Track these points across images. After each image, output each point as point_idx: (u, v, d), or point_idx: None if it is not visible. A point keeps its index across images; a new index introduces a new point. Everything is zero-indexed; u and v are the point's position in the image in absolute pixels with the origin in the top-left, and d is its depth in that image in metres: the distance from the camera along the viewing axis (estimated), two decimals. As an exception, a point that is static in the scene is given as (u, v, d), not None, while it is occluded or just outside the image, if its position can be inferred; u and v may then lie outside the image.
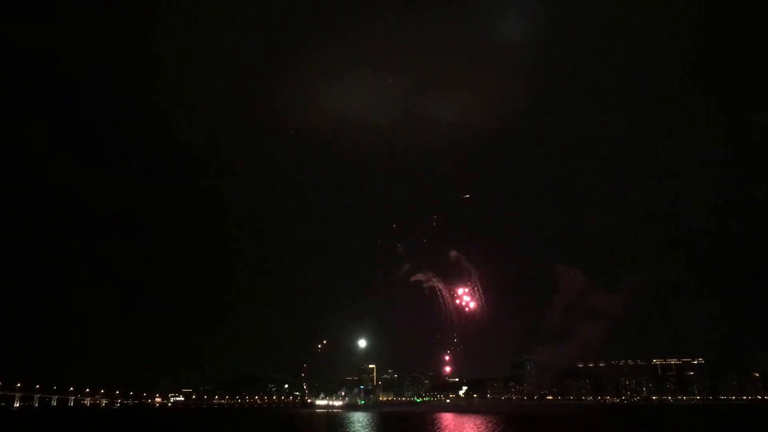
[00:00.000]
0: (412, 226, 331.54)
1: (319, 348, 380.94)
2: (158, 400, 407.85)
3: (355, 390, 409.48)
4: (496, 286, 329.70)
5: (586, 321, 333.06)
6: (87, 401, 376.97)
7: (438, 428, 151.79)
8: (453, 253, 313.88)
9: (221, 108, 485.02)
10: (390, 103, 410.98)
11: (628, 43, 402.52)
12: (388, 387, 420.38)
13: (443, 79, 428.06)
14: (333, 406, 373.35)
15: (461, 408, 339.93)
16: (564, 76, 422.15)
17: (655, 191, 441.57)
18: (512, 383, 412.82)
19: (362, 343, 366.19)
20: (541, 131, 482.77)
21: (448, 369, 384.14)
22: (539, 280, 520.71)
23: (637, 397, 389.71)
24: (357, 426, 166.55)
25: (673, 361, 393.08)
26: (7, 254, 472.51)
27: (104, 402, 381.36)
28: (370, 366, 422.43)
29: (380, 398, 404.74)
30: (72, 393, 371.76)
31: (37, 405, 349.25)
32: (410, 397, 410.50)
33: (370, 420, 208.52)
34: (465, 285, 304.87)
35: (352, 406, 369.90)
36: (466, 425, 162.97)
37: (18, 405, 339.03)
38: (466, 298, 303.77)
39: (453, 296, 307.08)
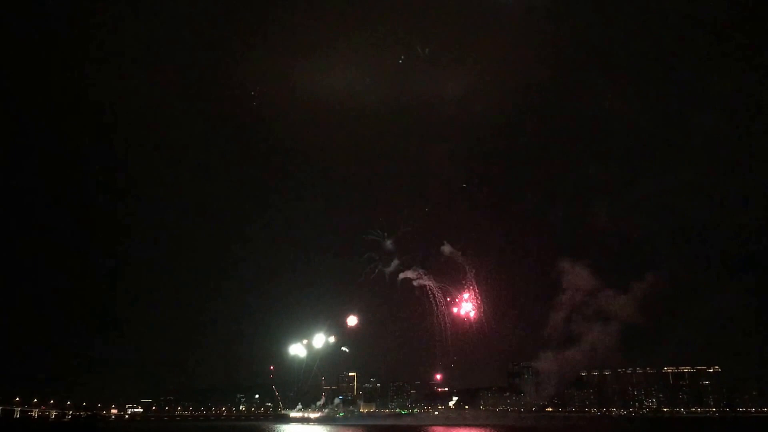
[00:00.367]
0: (396, 220, 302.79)
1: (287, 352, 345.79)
2: (114, 411, 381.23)
3: (337, 400, 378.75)
4: (493, 285, 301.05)
5: (593, 324, 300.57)
6: (35, 412, 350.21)
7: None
8: (446, 248, 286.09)
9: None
10: (382, 83, 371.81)
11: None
12: (370, 398, 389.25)
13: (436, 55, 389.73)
14: (308, 419, 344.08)
15: (451, 420, 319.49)
16: (575, 46, 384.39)
17: (673, 178, 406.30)
18: (508, 393, 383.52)
19: (345, 348, 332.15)
20: (548, 113, 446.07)
21: (438, 377, 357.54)
22: (541, 278, 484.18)
23: (646, 408, 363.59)
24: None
25: (686, 369, 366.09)
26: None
27: (54, 413, 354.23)
28: (351, 374, 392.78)
29: (362, 410, 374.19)
30: (18, 404, 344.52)
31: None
32: (394, 408, 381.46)
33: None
34: (460, 286, 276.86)
35: (329, 419, 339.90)
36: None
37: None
38: (466, 306, 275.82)
39: (446, 297, 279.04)
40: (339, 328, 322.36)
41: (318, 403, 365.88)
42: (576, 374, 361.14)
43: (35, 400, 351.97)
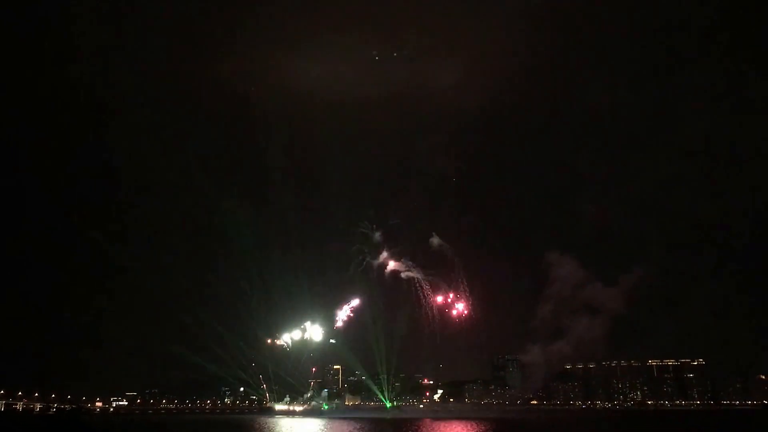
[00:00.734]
0: (385, 212, 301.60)
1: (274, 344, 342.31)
2: (99, 404, 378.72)
3: (324, 393, 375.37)
4: (481, 277, 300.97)
5: (580, 317, 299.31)
6: (19, 405, 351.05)
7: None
8: (435, 240, 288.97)
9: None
10: (371, 75, 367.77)
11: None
12: (354, 391, 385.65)
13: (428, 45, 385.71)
14: (293, 412, 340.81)
15: (437, 414, 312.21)
16: (564, 42, 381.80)
17: (662, 173, 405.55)
18: (493, 387, 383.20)
19: (332, 340, 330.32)
20: (537, 104, 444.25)
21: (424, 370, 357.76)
22: (528, 270, 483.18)
23: (631, 401, 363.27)
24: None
25: (670, 362, 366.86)
26: None
27: (39, 406, 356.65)
28: (336, 367, 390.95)
29: (346, 403, 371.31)
30: (2, 396, 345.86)
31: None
32: (379, 402, 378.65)
33: None
34: (449, 278, 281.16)
35: (313, 412, 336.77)
36: None
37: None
38: (454, 298, 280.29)
39: (434, 289, 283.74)
40: (326, 320, 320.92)
41: (306, 396, 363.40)
42: (562, 367, 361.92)
43: (19, 393, 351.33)
